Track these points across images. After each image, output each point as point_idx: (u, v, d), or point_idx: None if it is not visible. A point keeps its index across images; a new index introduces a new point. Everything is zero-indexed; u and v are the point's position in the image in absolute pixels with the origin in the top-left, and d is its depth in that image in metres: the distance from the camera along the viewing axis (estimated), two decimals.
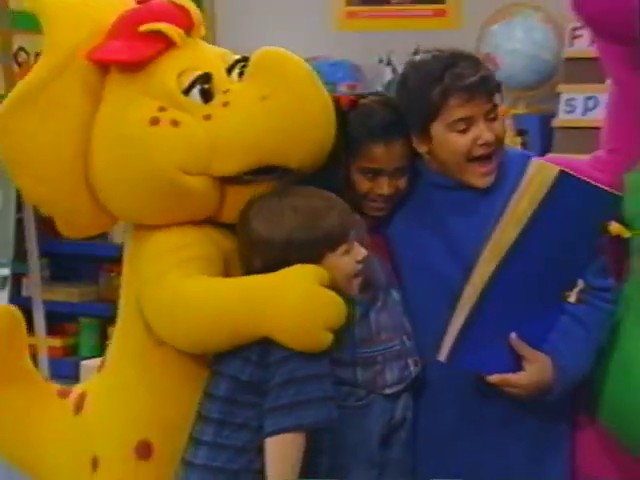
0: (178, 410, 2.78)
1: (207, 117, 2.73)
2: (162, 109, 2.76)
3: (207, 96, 2.75)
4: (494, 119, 2.93)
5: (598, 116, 4.16)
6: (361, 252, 2.68)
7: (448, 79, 2.87)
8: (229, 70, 2.80)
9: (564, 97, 5.04)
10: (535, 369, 2.88)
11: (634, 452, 3.04)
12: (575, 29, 4.91)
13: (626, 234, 2.99)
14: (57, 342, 6.02)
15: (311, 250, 2.62)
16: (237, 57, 2.87)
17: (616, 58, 3.17)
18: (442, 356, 2.89)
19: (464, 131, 2.90)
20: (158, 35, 2.77)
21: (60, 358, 5.87)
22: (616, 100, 3.31)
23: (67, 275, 6.25)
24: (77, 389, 2.95)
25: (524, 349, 2.90)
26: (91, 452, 2.84)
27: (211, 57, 2.86)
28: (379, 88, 5.63)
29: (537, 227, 2.89)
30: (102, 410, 2.87)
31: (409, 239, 3.06)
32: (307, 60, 5.89)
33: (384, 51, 5.68)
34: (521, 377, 2.85)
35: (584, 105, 4.89)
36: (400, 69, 5.55)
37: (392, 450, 2.93)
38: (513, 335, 2.94)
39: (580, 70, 4.87)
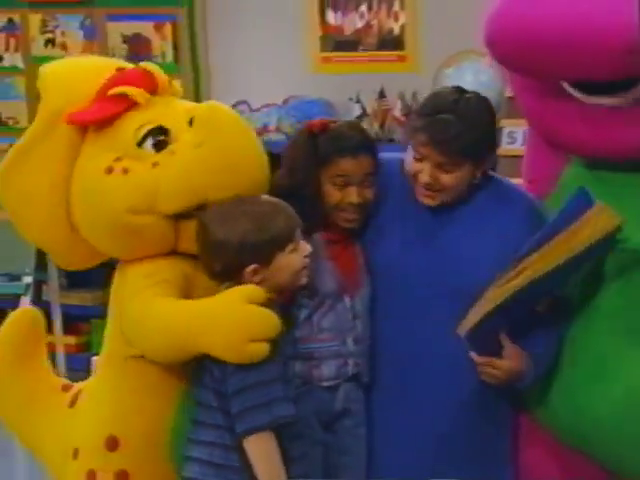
0: (140, 411, 2.89)
1: (155, 164, 2.84)
2: (118, 159, 2.88)
3: (161, 146, 2.86)
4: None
5: None
6: (307, 248, 2.76)
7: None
8: (191, 122, 2.90)
9: (506, 130, 5.18)
10: (515, 359, 2.94)
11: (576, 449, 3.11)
12: None
13: None
14: (72, 340, 6.19)
15: (262, 251, 2.70)
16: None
17: (525, 89, 3.16)
18: (462, 331, 2.95)
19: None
20: (124, 97, 2.91)
21: (75, 354, 6.03)
22: (530, 132, 3.37)
23: (81, 282, 6.33)
24: (78, 385, 3.09)
25: (507, 343, 2.96)
26: (74, 443, 2.96)
27: (174, 112, 2.96)
28: None
29: (576, 260, 2.93)
30: (85, 407, 2.98)
31: (382, 247, 3.07)
32: (288, 98, 6.03)
33: (354, 91, 5.83)
34: (504, 363, 2.92)
35: (523, 137, 5.00)
36: (367, 106, 5.92)
37: (337, 435, 3.00)
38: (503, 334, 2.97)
39: (519, 107, 5.10)
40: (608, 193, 2.99)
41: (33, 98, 6.07)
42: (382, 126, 5.81)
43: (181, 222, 2.81)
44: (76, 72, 3.09)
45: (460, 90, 3.05)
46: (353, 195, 2.91)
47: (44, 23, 6.75)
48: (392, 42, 5.99)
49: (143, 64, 3.03)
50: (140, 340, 2.77)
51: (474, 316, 2.90)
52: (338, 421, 2.97)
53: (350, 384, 2.96)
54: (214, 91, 6.46)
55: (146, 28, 6.61)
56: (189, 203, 2.80)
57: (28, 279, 6.14)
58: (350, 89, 5.87)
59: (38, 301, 6.02)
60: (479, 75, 5.25)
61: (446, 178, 2.90)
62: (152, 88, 2.95)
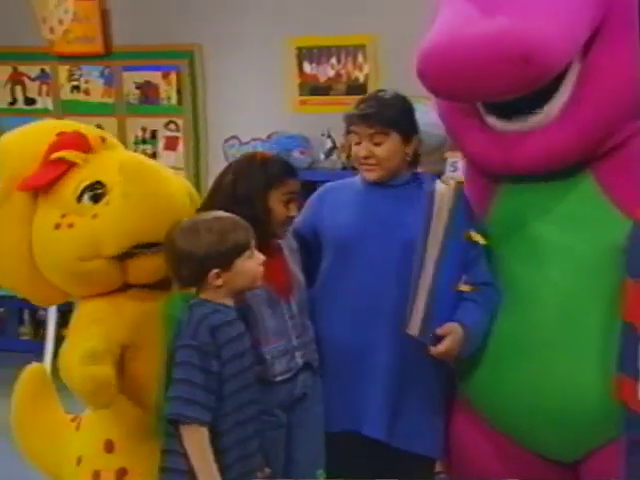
0: (129, 420, 2.93)
1: (94, 216, 2.85)
2: (63, 216, 2.87)
3: (98, 198, 2.87)
4: (378, 143, 3.05)
5: None
6: (261, 257, 2.77)
7: (347, 119, 3.13)
8: None
9: (450, 160, 5.18)
10: (452, 337, 2.94)
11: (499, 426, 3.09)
12: None
13: (481, 241, 3.02)
14: None
15: (223, 258, 2.70)
16: None
17: (449, 117, 3.12)
18: (414, 331, 2.95)
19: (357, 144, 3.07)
20: (63, 160, 2.91)
21: None
22: (463, 159, 3.35)
23: None
24: (81, 415, 3.11)
25: (445, 327, 2.94)
26: (77, 453, 3.00)
27: (108, 166, 2.92)
28: (322, 154, 5.97)
29: (452, 228, 2.94)
30: (84, 423, 3.04)
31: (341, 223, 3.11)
32: (271, 134, 6.14)
33: (325, 128, 5.90)
34: (446, 344, 2.93)
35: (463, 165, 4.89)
36: (337, 141, 5.85)
37: (296, 413, 2.99)
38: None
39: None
40: (534, 199, 3.03)
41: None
42: (348, 157, 5.09)
43: (126, 261, 2.86)
44: (24, 141, 3.06)
45: (380, 91, 3.23)
46: (295, 210, 3.00)
47: (71, 73, 6.89)
48: (358, 88, 5.95)
49: (77, 128, 3.05)
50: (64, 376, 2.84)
51: (417, 314, 2.93)
52: (298, 403, 3.01)
53: (305, 373, 3.00)
54: (210, 128, 6.56)
55: (155, 77, 6.70)
56: (127, 245, 2.83)
57: None
58: (323, 126, 5.90)
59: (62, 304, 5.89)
60: (427, 115, 4.76)
61: (379, 150, 3.02)
62: (87, 148, 2.97)
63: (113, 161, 2.92)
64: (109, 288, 2.92)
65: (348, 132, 3.11)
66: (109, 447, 2.95)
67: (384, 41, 5.84)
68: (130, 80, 6.73)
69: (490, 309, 3.03)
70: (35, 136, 3.04)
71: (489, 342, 3.03)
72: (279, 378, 2.93)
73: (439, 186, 2.99)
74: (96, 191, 2.88)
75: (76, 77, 6.89)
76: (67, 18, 6.49)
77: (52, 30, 6.55)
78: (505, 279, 3.04)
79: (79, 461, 2.97)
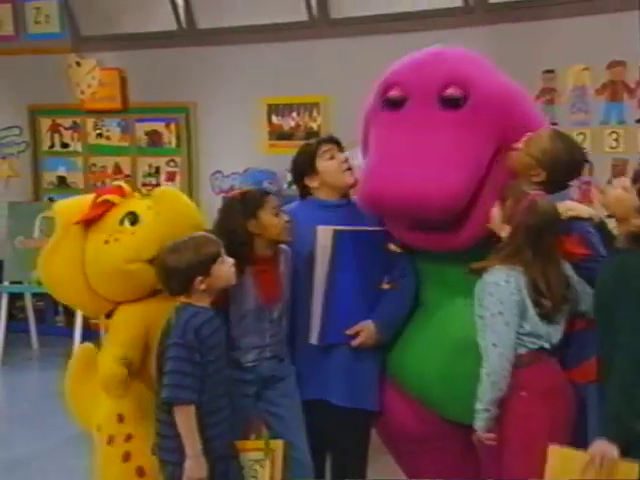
0: (136, 397, 3.02)
1: (133, 233, 3.04)
2: (110, 235, 3.03)
3: (134, 222, 3.04)
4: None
5: None
6: (231, 260, 2.79)
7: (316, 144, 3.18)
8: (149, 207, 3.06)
9: None
10: (364, 333, 3.02)
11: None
12: None
13: (398, 250, 3.06)
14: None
15: (202, 267, 2.72)
16: None
17: (399, 228, 3.06)
18: (314, 339, 3.02)
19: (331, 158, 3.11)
20: (107, 201, 3.10)
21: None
22: None
23: None
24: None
25: (357, 327, 3.00)
26: (97, 421, 3.13)
27: (138, 203, 3.11)
28: (285, 185, 5.94)
29: (337, 259, 2.97)
30: (104, 397, 3.10)
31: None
32: (247, 169, 6.31)
33: (288, 164, 5.14)
34: (360, 339, 3.00)
35: None
36: None
37: (272, 392, 2.99)
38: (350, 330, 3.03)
39: None
40: (439, 265, 3.06)
41: (87, 171, 6.57)
42: None
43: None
44: (71, 201, 3.23)
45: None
46: (286, 216, 3.01)
47: (95, 124, 7.15)
48: (313, 135, 6.00)
49: (116, 184, 3.28)
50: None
51: (314, 329, 2.97)
52: (272, 384, 3.05)
53: (271, 361, 3.04)
54: (201, 165, 6.72)
55: (160, 126, 6.89)
56: (158, 250, 2.89)
57: None
58: (286, 164, 4.40)
59: None
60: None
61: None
62: (122, 194, 3.19)
63: (140, 201, 3.17)
64: (144, 291, 3.04)
65: (312, 168, 3.08)
66: (120, 418, 3.08)
67: (333, 100, 6.12)
68: (141, 129, 6.98)
69: (406, 297, 3.11)
70: (78, 199, 3.24)
71: (406, 333, 3.10)
72: (249, 364, 3.01)
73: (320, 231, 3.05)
74: (131, 218, 3.07)
75: (100, 127, 7.14)
76: (94, 83, 6.86)
77: (83, 92, 6.94)
78: (421, 296, 3.15)
79: (99, 428, 3.13)
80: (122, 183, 3.28)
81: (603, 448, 2.46)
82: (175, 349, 2.65)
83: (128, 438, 3.06)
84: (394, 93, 2.96)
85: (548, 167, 2.83)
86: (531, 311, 2.69)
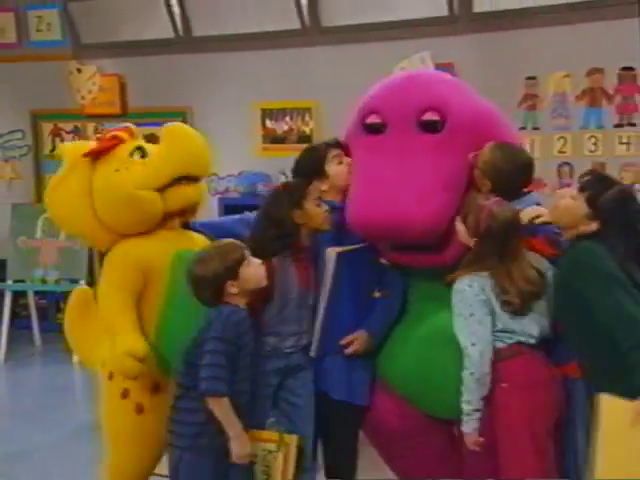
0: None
1: (144, 164, 3.07)
2: (121, 164, 3.05)
3: (143, 155, 3.07)
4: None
5: None
6: (257, 261, 2.82)
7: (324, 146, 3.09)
8: (153, 141, 3.15)
9: None
10: (357, 342, 3.01)
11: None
12: None
13: (388, 263, 3.06)
14: None
15: (229, 273, 2.74)
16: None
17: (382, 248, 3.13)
18: (312, 352, 3.04)
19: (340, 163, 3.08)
20: (116, 137, 3.14)
21: None
22: None
23: None
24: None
25: (350, 337, 2.99)
26: (109, 369, 3.07)
27: (146, 143, 3.16)
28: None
29: (341, 273, 2.98)
30: (105, 336, 3.10)
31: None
32: (241, 172, 6.27)
33: (281, 168, 5.98)
34: (352, 348, 3.00)
35: None
36: (290, 177, 5.54)
37: (293, 381, 2.97)
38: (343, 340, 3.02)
39: None
40: (419, 279, 3.08)
41: None
42: None
43: (167, 190, 3.05)
44: (77, 143, 3.44)
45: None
46: (325, 205, 2.99)
47: (96, 128, 7.09)
48: (305, 139, 6.18)
49: (125, 124, 3.31)
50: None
51: (315, 344, 3.00)
52: (294, 372, 3.05)
53: (300, 353, 3.04)
54: None
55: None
56: (168, 178, 3.03)
57: (83, 281, 6.36)
58: (279, 166, 6.04)
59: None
60: None
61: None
62: (130, 133, 3.23)
63: (147, 141, 3.22)
64: (150, 222, 3.04)
65: (321, 171, 3.01)
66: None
67: (324, 105, 6.18)
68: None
69: (396, 304, 3.11)
70: (83, 142, 3.46)
71: (393, 336, 3.09)
72: (287, 350, 3.00)
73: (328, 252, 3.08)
74: (140, 151, 3.11)
75: (99, 131, 6.95)
76: (94, 89, 6.87)
77: (83, 97, 6.96)
78: (408, 300, 3.17)
79: (103, 364, 3.11)
80: (131, 125, 3.30)
81: None
82: (214, 342, 2.69)
83: (125, 393, 3.06)
84: (373, 119, 3.01)
85: (490, 177, 2.92)
86: (498, 310, 2.77)
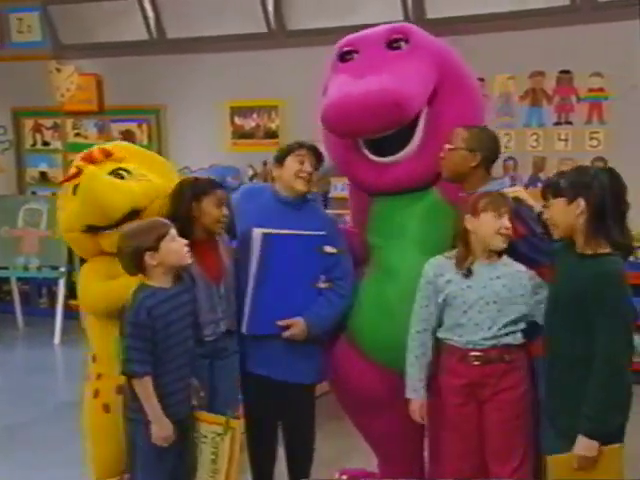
0: (108, 341, 2.98)
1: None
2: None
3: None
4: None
5: None
6: (183, 240, 2.75)
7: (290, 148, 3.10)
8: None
9: (334, 183, 5.28)
10: (294, 327, 3.02)
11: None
12: None
13: (334, 251, 3.05)
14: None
15: (150, 243, 2.67)
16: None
17: (338, 151, 3.13)
18: (243, 329, 3.05)
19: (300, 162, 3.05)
20: (77, 167, 3.02)
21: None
22: (349, 182, 3.33)
23: None
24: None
25: (287, 321, 3.00)
26: (92, 352, 3.19)
27: (93, 170, 2.98)
28: (247, 179, 6.11)
29: (266, 254, 2.96)
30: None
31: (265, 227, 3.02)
32: (212, 165, 6.19)
33: (249, 161, 6.22)
34: (290, 332, 3.01)
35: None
36: (257, 170, 6.09)
37: (219, 361, 2.95)
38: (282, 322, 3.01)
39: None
40: (397, 210, 3.08)
41: (66, 167, 6.25)
42: (265, 181, 5.82)
43: (95, 234, 3.03)
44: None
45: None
46: (226, 211, 2.99)
47: (74, 124, 7.18)
48: (271, 135, 6.28)
49: (97, 147, 3.19)
50: (81, 299, 3.10)
51: (243, 320, 2.99)
52: (219, 356, 3.02)
53: (225, 335, 3.03)
54: (170, 161, 5.92)
55: (132, 127, 6.92)
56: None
57: (63, 268, 6.47)
58: (247, 160, 6.25)
59: (69, 282, 6.36)
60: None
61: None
62: (106, 155, 3.10)
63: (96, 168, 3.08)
64: (90, 253, 3.05)
65: (281, 160, 3.05)
66: (94, 359, 3.14)
67: (290, 103, 6.21)
68: (116, 129, 7.01)
69: (342, 296, 3.09)
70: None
71: (365, 300, 3.11)
72: (207, 338, 3.01)
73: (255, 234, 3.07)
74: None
75: (78, 127, 7.17)
76: (73, 87, 6.87)
77: (62, 95, 6.97)
78: (379, 261, 3.16)
79: (88, 377, 3.14)
80: (109, 145, 3.19)
81: (585, 446, 2.43)
82: (129, 327, 2.67)
83: (98, 376, 3.11)
84: (347, 47, 3.14)
85: (478, 148, 2.88)
86: None
